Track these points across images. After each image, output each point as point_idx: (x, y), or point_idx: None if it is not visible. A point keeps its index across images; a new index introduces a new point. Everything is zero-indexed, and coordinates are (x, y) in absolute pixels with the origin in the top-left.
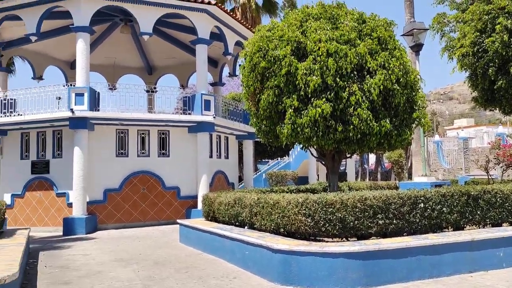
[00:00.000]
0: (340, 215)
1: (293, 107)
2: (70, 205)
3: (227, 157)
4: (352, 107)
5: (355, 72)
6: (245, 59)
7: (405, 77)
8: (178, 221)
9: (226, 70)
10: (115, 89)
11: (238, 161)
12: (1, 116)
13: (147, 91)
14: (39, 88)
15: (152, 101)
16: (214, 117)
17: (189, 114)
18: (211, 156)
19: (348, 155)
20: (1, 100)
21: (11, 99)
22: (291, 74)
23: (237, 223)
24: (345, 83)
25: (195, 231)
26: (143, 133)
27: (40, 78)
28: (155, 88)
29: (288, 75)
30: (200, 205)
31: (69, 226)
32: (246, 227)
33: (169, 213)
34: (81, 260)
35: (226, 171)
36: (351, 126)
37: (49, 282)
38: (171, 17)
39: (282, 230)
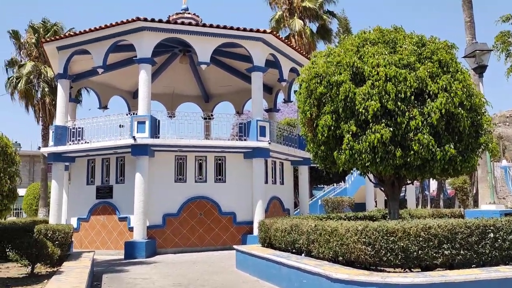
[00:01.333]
0: (402, 244)
1: (351, 133)
2: (131, 229)
3: (282, 183)
4: (412, 132)
5: (415, 96)
6: (301, 85)
7: (469, 100)
8: (235, 247)
9: (281, 96)
10: (174, 116)
11: (293, 187)
12: (70, 144)
13: (204, 118)
14: (104, 117)
15: (209, 128)
16: (269, 143)
17: (245, 140)
18: (266, 182)
19: (408, 182)
20: (70, 129)
21: (79, 128)
22: (348, 99)
23: (294, 250)
24: (405, 107)
25: (252, 257)
26: (200, 159)
27: (105, 107)
28: (211, 115)
29: (345, 101)
30: (256, 231)
31: (130, 250)
32: (303, 254)
33: (225, 239)
34: (141, 284)
35: (281, 197)
36: (412, 152)
37: None
38: (228, 46)
39: (340, 258)
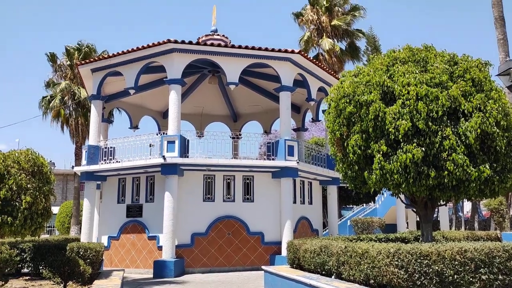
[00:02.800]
0: (437, 268)
1: (381, 152)
2: (160, 248)
3: (310, 202)
4: (446, 152)
5: (448, 116)
6: (330, 104)
7: (505, 119)
8: (263, 267)
9: (309, 116)
10: (202, 136)
11: (322, 207)
12: (102, 163)
13: (232, 138)
14: (135, 136)
15: (237, 147)
16: (298, 162)
17: (273, 159)
18: (294, 202)
19: (442, 203)
20: (102, 149)
21: (111, 147)
22: (379, 118)
23: (323, 272)
24: (437, 127)
25: (280, 278)
26: (228, 179)
27: (136, 127)
28: (239, 134)
29: (375, 120)
30: (284, 252)
31: (159, 269)
32: (333, 276)
33: (253, 259)
34: None
35: (310, 217)
36: (446, 172)
37: None
38: (256, 66)
39: (372, 281)
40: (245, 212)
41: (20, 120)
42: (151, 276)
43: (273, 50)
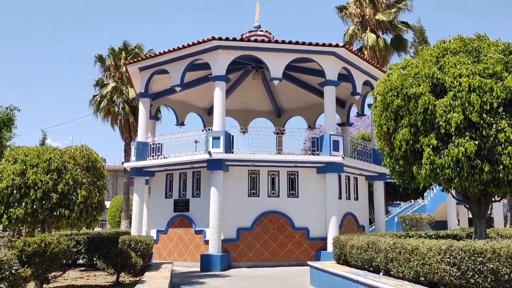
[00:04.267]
0: (492, 266)
1: (431, 146)
2: (206, 242)
3: (356, 198)
4: (501, 145)
5: (503, 107)
6: (376, 98)
7: None
8: (309, 263)
9: (354, 110)
10: (246, 132)
11: (368, 203)
12: (150, 159)
13: (276, 133)
14: (181, 133)
15: (281, 143)
16: (343, 158)
17: (318, 154)
18: (340, 197)
19: (496, 199)
20: (150, 145)
21: (158, 144)
22: (428, 112)
23: (371, 269)
24: (492, 119)
25: (327, 274)
26: (273, 174)
27: (182, 124)
28: (283, 130)
29: (425, 113)
30: (329, 247)
31: (206, 263)
32: (381, 273)
33: (299, 254)
34: None
35: (355, 213)
36: (501, 167)
37: None
38: (300, 61)
39: (422, 279)
40: (290, 207)
41: (73, 119)
42: (198, 269)
43: (317, 44)
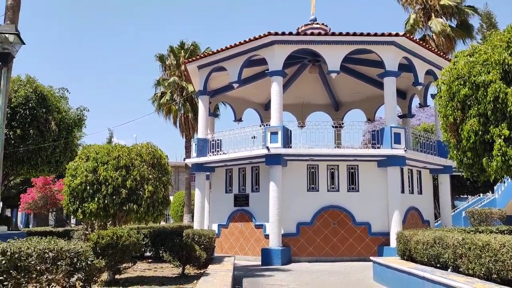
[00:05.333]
0: None
1: (502, 137)
2: (266, 236)
3: (420, 192)
4: None
5: None
6: (441, 87)
7: None
8: (372, 258)
9: (416, 101)
10: (304, 126)
11: (433, 197)
12: (210, 155)
13: (335, 127)
14: (239, 129)
15: (339, 136)
16: (405, 150)
17: (378, 148)
18: (403, 191)
19: None
20: (210, 141)
21: (218, 140)
22: (499, 100)
23: (437, 265)
24: None
25: (391, 270)
26: (332, 168)
27: (240, 120)
28: (342, 123)
29: (495, 102)
30: (393, 243)
31: (266, 257)
32: (449, 269)
33: (360, 250)
34: None
35: (419, 208)
36: None
37: None
38: (357, 53)
39: (494, 276)
40: (350, 202)
41: (137, 117)
42: (259, 263)
43: (375, 34)
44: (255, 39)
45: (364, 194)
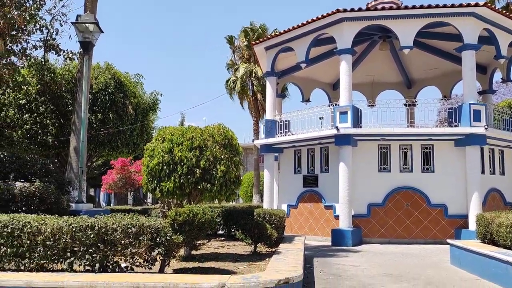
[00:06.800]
0: None
1: None
2: (337, 217)
3: (502, 173)
4: None
5: None
6: None
7: None
8: (449, 241)
9: (497, 76)
10: (374, 105)
11: None
12: (278, 136)
13: (407, 105)
14: (307, 109)
15: (412, 115)
16: (486, 128)
17: (456, 126)
18: (483, 172)
19: None
20: (278, 122)
21: (286, 121)
22: None
23: None
24: None
25: (470, 253)
26: (405, 148)
27: (308, 100)
28: (415, 101)
29: None
30: (471, 226)
31: (337, 237)
32: None
33: (436, 232)
34: (351, 270)
35: (502, 189)
36: None
37: (325, 287)
38: (432, 26)
39: None
40: (425, 183)
41: (208, 100)
42: (329, 244)
43: (452, 5)
44: (323, 17)
45: (440, 174)
